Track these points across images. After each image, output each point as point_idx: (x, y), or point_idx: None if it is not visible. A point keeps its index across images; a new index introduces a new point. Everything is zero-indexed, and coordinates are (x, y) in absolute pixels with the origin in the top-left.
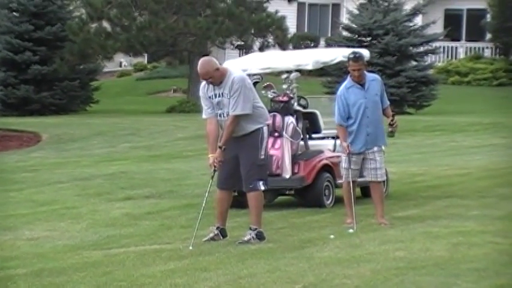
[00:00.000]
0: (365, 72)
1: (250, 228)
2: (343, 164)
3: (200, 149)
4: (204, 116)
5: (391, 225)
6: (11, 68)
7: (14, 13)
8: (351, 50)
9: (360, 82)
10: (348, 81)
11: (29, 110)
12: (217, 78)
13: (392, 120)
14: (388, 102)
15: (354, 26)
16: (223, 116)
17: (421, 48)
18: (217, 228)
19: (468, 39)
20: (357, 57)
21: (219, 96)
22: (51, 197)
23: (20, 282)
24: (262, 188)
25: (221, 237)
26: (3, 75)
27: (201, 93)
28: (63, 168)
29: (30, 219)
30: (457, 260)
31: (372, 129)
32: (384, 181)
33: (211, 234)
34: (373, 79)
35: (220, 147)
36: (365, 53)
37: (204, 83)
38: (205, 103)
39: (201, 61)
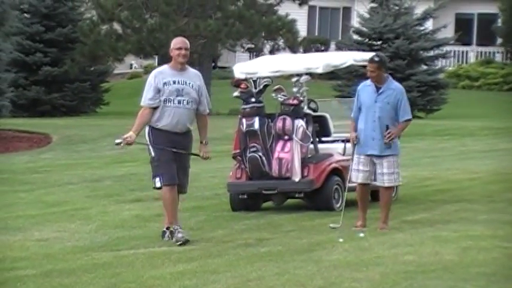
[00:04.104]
0: (390, 78)
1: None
2: (353, 166)
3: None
4: (147, 102)
5: (389, 230)
6: (21, 69)
7: (25, 14)
8: (361, 53)
9: (378, 84)
10: (369, 80)
11: (40, 111)
12: (187, 57)
13: (386, 131)
14: (406, 118)
15: (364, 29)
16: (183, 104)
17: (432, 53)
18: (168, 228)
19: (479, 44)
20: (371, 59)
21: (181, 84)
22: (61, 198)
23: (29, 283)
24: None
25: (172, 239)
26: (14, 77)
27: (153, 81)
28: (73, 170)
29: (39, 220)
30: (466, 264)
31: (378, 135)
32: (392, 187)
33: (167, 239)
34: (394, 88)
35: (202, 142)
36: None
37: (158, 70)
38: (154, 92)
39: (178, 37)
